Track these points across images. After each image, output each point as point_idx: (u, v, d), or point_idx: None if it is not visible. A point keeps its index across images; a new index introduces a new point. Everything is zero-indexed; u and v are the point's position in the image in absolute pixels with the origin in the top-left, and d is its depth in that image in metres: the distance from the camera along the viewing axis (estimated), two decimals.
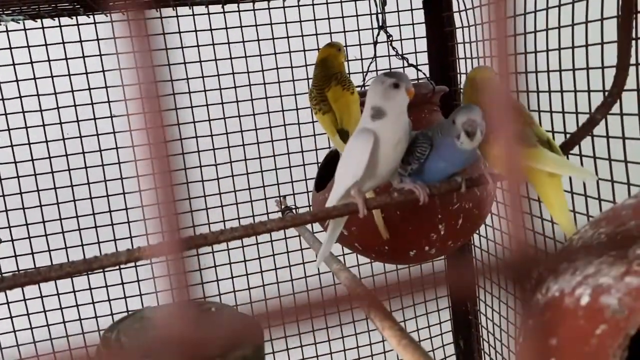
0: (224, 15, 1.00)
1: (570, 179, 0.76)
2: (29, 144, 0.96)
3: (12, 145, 0.96)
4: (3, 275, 0.52)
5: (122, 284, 1.03)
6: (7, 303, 0.98)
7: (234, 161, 1.05)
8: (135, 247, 0.55)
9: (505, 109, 0.21)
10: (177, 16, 0.98)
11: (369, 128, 0.62)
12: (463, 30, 1.02)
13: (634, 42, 0.65)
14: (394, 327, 0.53)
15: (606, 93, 0.68)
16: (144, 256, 0.51)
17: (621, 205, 0.41)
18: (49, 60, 0.95)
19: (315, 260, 1.09)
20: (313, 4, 1.04)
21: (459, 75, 1.06)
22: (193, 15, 0.99)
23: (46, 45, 0.94)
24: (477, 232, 1.08)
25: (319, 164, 0.98)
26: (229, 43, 1.02)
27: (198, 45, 1.00)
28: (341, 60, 0.81)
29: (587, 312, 0.34)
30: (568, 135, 0.72)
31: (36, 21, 0.93)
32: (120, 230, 1.02)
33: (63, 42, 0.95)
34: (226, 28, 1.01)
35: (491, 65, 0.94)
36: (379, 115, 0.62)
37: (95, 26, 0.95)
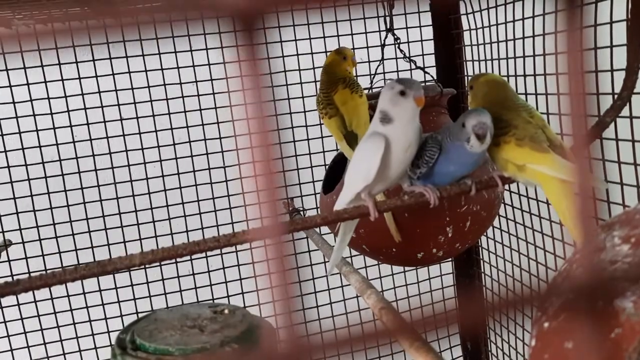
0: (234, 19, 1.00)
1: None
2: (40, 146, 0.97)
3: (22, 148, 0.96)
4: (18, 278, 0.53)
5: (132, 285, 1.04)
6: (18, 305, 0.99)
7: (242, 163, 1.05)
8: (145, 249, 0.56)
9: (579, 122, 0.21)
10: (186, 19, 0.99)
11: (380, 132, 0.63)
12: (470, 33, 1.03)
13: None
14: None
15: (615, 96, 0.68)
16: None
17: (634, 209, 0.41)
18: (59, 64, 0.96)
19: (323, 262, 1.10)
20: (320, 7, 1.04)
21: (466, 77, 1.06)
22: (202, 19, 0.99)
23: (57, 48, 0.95)
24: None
25: (327, 166, 0.99)
26: (237, 46, 1.02)
27: (207, 49, 1.00)
28: (345, 67, 0.81)
29: (602, 316, 0.34)
30: None
31: (47, 25, 0.93)
32: (130, 233, 1.02)
33: (73, 46, 0.96)
34: (234, 31, 1.01)
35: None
36: (386, 120, 0.62)
37: (105, 30, 0.96)
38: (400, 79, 0.63)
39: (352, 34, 1.06)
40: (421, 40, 1.08)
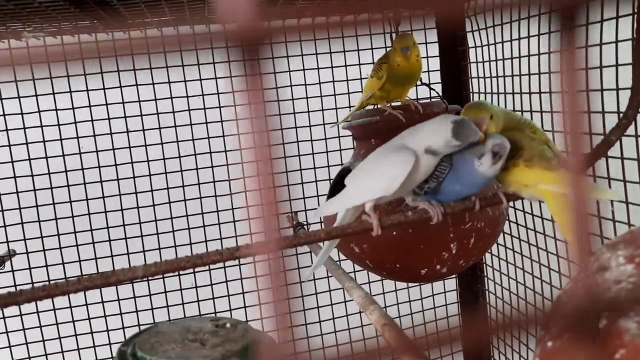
0: None
1: None
2: (46, 157, 0.97)
3: (29, 159, 0.97)
4: (21, 288, 0.53)
5: (135, 297, 1.03)
6: (20, 315, 0.99)
7: (247, 177, 1.05)
8: (149, 261, 0.56)
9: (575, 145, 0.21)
10: (194, 34, 1.00)
11: (411, 148, 0.62)
12: (476, 50, 1.03)
13: None
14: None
15: (621, 115, 0.68)
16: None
17: (639, 229, 0.41)
18: (67, 76, 0.97)
19: (326, 277, 1.10)
20: (327, 25, 1.05)
21: (471, 94, 1.07)
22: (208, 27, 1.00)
23: (65, 61, 0.96)
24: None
25: (331, 181, 0.99)
26: (243, 60, 1.03)
27: (214, 63, 1.01)
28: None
29: (606, 336, 0.34)
30: None
31: (56, 38, 0.95)
32: (134, 244, 1.02)
33: (82, 58, 0.96)
34: (242, 46, 1.02)
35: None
36: (431, 152, 0.62)
37: (114, 43, 0.97)
38: (457, 126, 0.60)
39: (357, 50, 1.07)
40: (427, 57, 1.08)
